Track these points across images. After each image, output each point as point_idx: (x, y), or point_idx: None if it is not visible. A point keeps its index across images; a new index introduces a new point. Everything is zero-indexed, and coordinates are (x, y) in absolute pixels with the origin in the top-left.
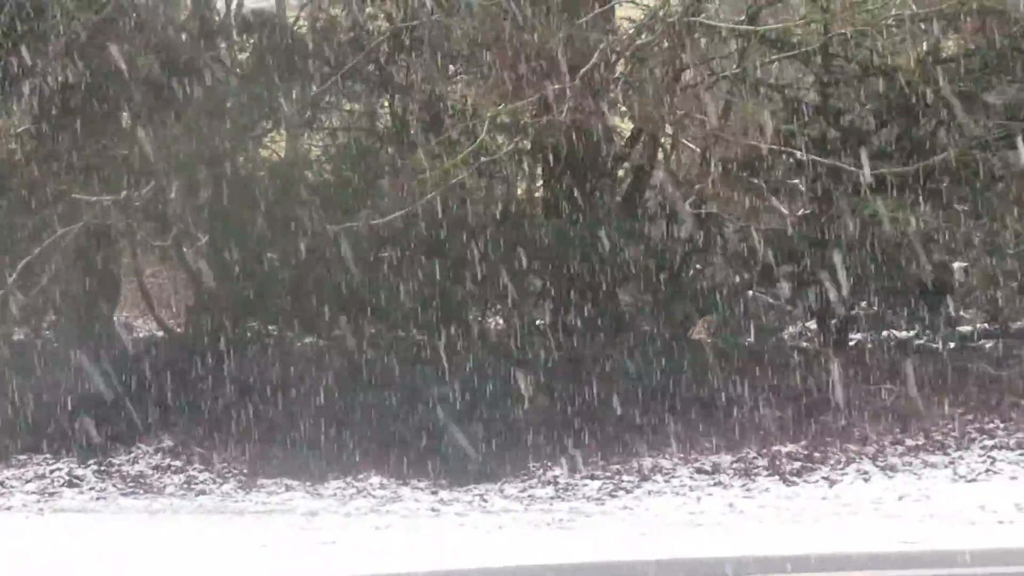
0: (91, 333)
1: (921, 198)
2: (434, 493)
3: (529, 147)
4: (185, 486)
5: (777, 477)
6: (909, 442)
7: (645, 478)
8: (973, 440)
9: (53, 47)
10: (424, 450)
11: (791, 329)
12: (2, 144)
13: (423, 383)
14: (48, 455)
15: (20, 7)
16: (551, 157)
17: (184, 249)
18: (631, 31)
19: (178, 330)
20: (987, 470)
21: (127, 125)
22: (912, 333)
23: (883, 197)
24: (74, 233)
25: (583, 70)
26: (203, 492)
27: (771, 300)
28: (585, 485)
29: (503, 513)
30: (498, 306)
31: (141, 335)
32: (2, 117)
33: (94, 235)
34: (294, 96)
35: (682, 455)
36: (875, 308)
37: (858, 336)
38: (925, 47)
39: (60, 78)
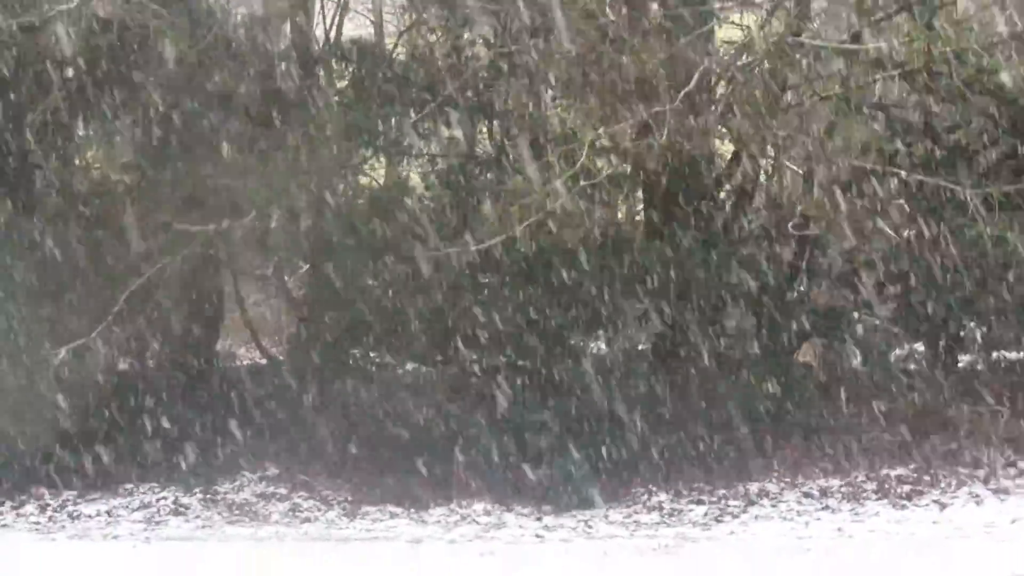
0: (194, 362)
1: None
2: (539, 519)
3: (629, 171)
4: (290, 514)
5: (886, 501)
6: (1022, 465)
7: (752, 503)
8: None
9: (154, 78)
10: (528, 476)
11: (898, 351)
12: (105, 175)
13: (526, 408)
14: (154, 484)
15: (122, 39)
16: (652, 180)
17: (285, 277)
18: (732, 52)
19: (281, 358)
20: None
21: (227, 155)
22: None
23: (990, 217)
24: (177, 263)
25: (683, 92)
26: (308, 520)
27: (877, 322)
28: (691, 510)
29: (608, 539)
30: (600, 331)
31: (244, 363)
32: (104, 148)
33: (196, 265)
34: (393, 123)
35: (789, 479)
36: (985, 329)
37: (968, 357)
38: None
39: (161, 109)
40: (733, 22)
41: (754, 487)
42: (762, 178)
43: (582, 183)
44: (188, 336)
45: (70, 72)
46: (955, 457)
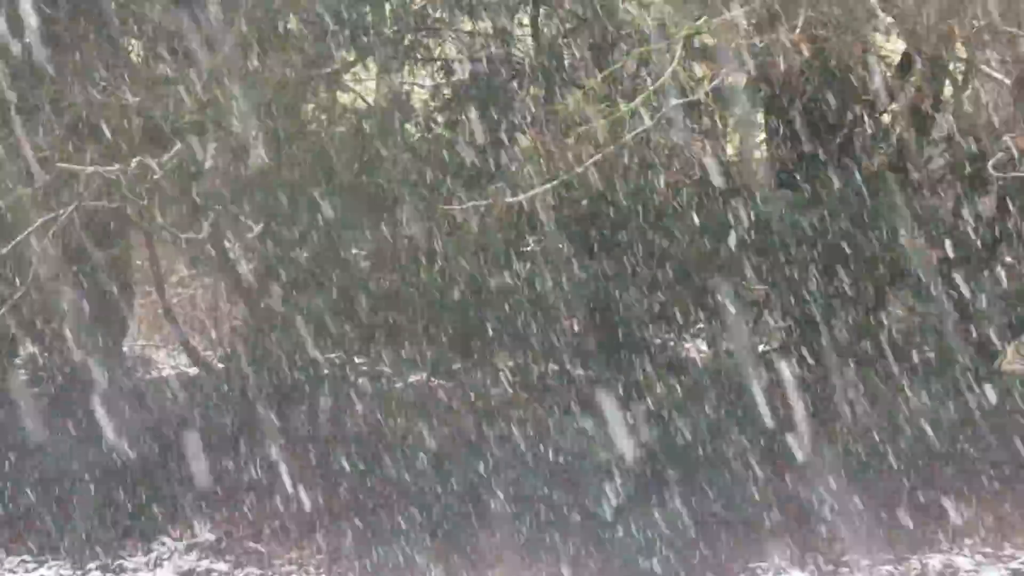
0: (89, 372)
1: None
2: None
3: (745, 82)
4: None
5: None
6: None
7: None
8: None
9: None
10: (592, 543)
11: None
12: None
13: (588, 440)
14: (26, 557)
15: None
16: (779, 97)
17: (227, 244)
18: None
19: (219, 365)
20: None
21: (139, 58)
22: None
23: None
24: (61, 223)
25: None
26: None
27: None
28: None
29: None
30: (699, 324)
31: (165, 373)
32: None
33: (91, 225)
34: (388, 10)
35: (990, 549)
36: None
37: None
38: None
39: None
40: None
41: (936, 561)
42: (947, 92)
43: (673, 101)
44: (79, 333)
45: None
46: None
